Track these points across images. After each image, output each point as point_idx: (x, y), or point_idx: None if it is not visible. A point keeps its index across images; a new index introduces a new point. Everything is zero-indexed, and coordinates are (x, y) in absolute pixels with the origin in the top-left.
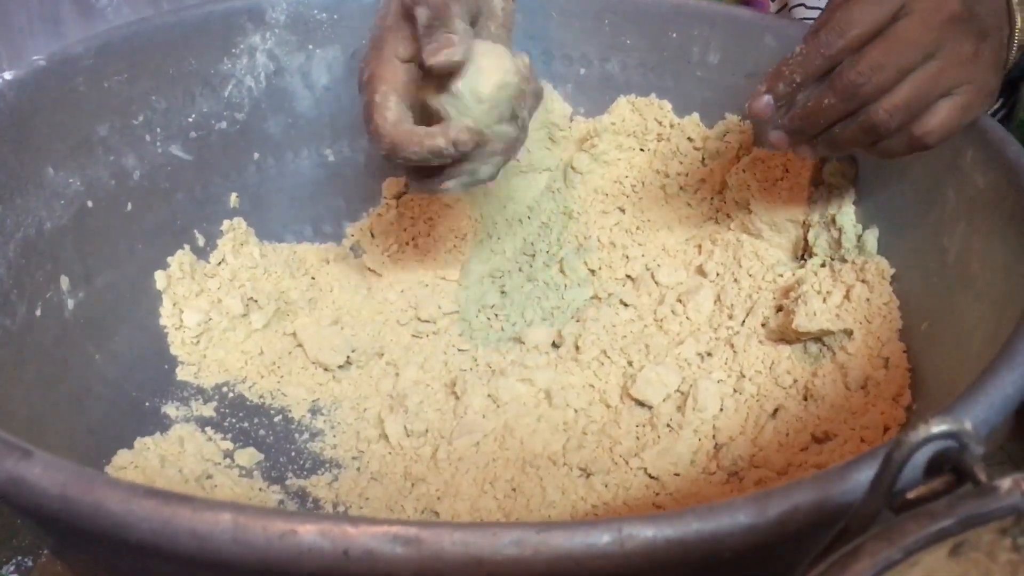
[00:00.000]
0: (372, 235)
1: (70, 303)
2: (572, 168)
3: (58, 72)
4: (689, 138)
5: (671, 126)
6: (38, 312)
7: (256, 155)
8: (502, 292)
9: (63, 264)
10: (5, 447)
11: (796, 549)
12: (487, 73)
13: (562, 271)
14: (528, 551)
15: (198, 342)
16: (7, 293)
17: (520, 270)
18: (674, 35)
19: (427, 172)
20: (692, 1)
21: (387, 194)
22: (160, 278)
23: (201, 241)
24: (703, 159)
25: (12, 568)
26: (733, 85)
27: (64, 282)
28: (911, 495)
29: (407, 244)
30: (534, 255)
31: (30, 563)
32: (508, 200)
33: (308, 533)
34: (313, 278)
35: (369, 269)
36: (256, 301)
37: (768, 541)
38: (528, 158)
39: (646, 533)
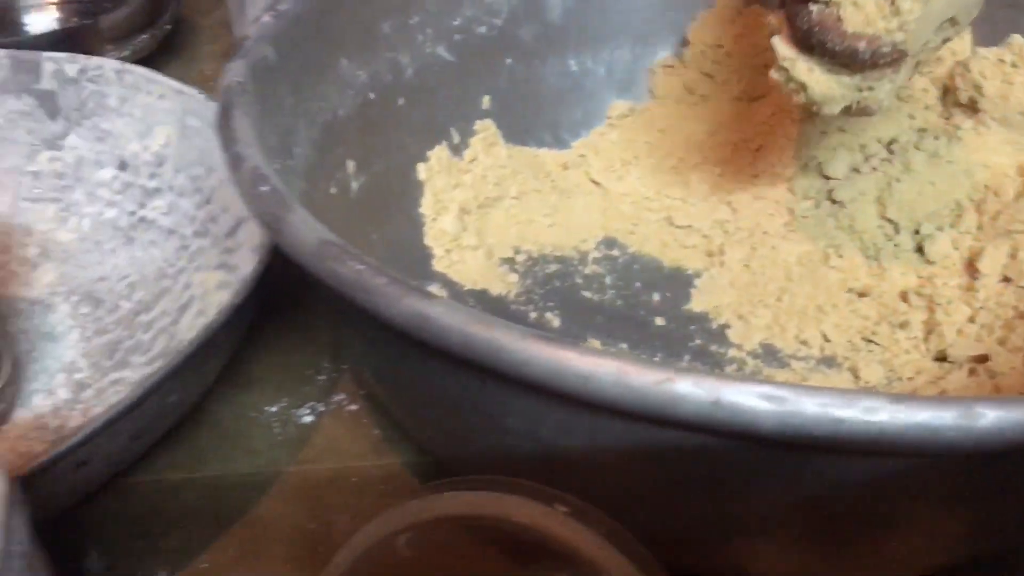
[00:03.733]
0: (596, 151)
1: (355, 184)
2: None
3: None
4: None
5: None
6: (333, 190)
7: (508, 60)
8: (733, 210)
9: (350, 149)
10: (410, 290)
11: None
12: None
13: (791, 191)
14: (883, 417)
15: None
16: (313, 169)
17: (744, 189)
18: None
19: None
20: None
21: (612, 114)
22: (422, 170)
23: (456, 139)
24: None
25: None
26: None
27: (350, 166)
28: None
29: (629, 163)
30: (756, 175)
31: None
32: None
33: (683, 382)
34: (554, 181)
35: (593, 181)
36: None
37: None
38: None
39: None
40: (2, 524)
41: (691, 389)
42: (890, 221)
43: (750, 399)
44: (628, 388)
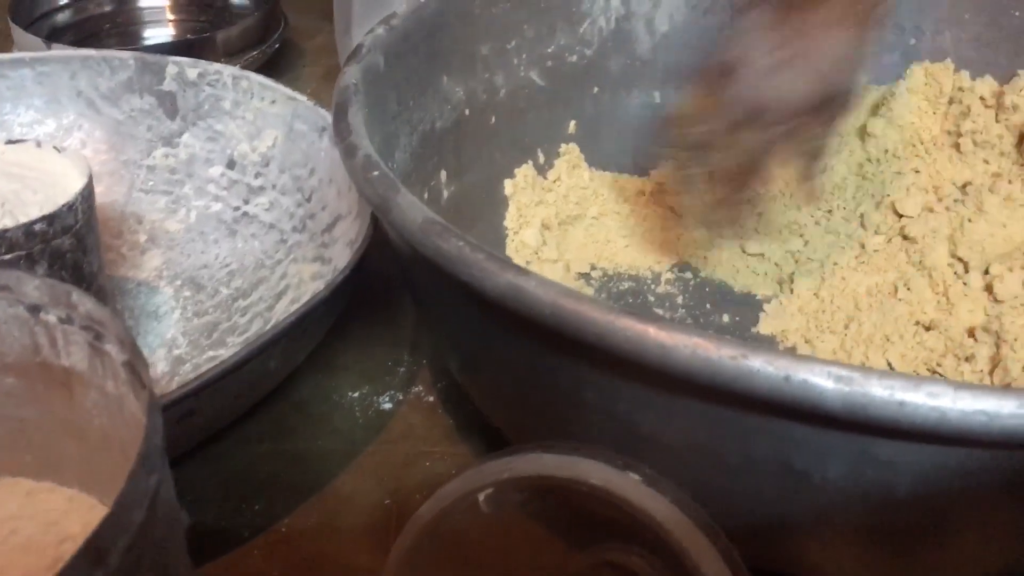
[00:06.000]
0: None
1: (445, 193)
2: (866, 132)
3: None
4: (981, 97)
5: (961, 89)
6: (425, 195)
7: (596, 89)
8: (804, 241)
9: (444, 160)
10: (506, 264)
11: None
12: None
13: (862, 226)
14: (945, 402)
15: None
16: (409, 174)
17: (817, 223)
18: (1017, 13)
19: None
20: None
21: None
22: (508, 186)
23: (542, 159)
24: (996, 116)
25: None
26: None
27: (443, 175)
28: None
29: (704, 194)
30: (831, 211)
31: None
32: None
33: (756, 359)
34: (632, 206)
35: (670, 209)
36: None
37: None
38: None
39: None
40: (147, 417)
41: (763, 365)
42: (960, 260)
43: (819, 377)
44: (705, 361)
